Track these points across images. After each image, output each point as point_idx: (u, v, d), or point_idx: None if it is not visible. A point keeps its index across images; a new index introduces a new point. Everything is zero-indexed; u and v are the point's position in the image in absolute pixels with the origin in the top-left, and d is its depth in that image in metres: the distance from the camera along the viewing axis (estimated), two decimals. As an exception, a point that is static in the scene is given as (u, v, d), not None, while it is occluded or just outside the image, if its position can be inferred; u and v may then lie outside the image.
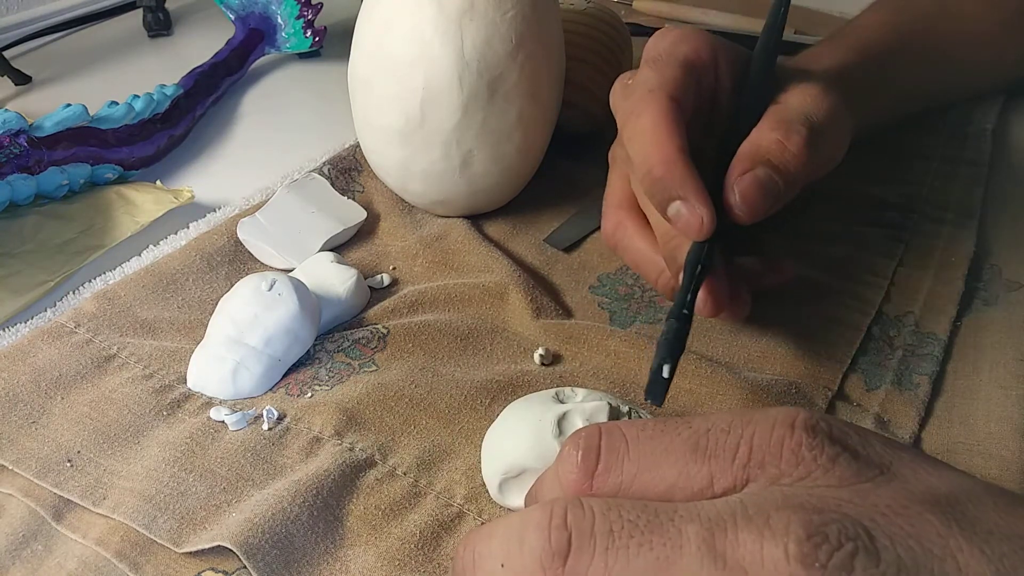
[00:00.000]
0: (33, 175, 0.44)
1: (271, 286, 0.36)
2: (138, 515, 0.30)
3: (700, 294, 0.33)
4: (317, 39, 0.67)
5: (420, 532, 0.30)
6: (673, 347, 0.30)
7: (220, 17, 0.72)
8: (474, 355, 0.38)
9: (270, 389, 0.36)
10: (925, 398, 0.36)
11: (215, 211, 0.47)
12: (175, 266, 0.41)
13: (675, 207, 0.33)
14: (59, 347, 0.36)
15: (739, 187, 0.33)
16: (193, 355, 0.36)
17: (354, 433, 0.33)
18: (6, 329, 0.39)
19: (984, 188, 0.50)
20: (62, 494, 0.31)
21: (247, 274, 0.41)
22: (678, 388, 0.36)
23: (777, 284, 0.39)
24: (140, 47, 0.71)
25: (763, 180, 0.33)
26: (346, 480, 0.31)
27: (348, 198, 0.47)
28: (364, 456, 0.32)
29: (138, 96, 0.52)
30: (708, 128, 0.39)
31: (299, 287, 0.37)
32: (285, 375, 0.36)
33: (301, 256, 0.42)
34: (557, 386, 0.33)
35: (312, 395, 0.35)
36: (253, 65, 0.66)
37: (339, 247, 0.45)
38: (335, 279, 0.40)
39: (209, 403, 0.35)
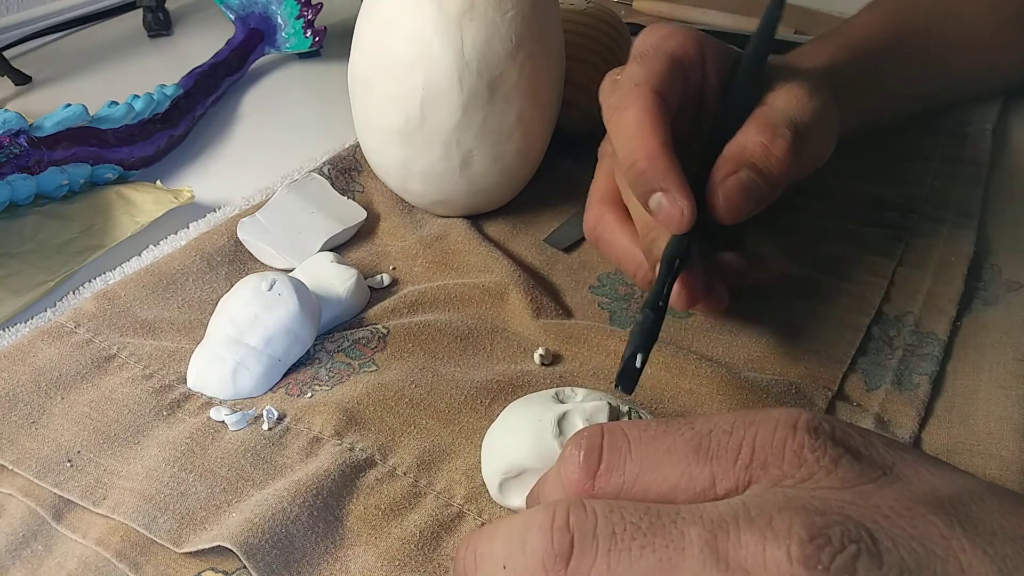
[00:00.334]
0: (33, 175, 0.44)
1: (271, 286, 0.36)
2: (138, 515, 0.30)
3: (675, 286, 0.34)
4: (317, 39, 0.67)
5: (420, 532, 0.30)
6: (647, 338, 0.31)
7: (220, 17, 0.72)
8: (474, 355, 0.38)
9: (270, 389, 0.36)
10: (925, 398, 0.36)
11: (215, 211, 0.47)
12: (175, 266, 0.41)
13: (656, 199, 0.33)
14: (59, 347, 0.36)
15: (723, 189, 0.34)
16: (193, 355, 0.36)
17: (354, 433, 0.33)
18: (6, 329, 0.39)
19: (984, 188, 0.50)
20: (62, 494, 0.31)
21: (247, 274, 0.41)
22: (678, 388, 0.36)
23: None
24: (140, 47, 0.71)
25: (746, 183, 0.34)
26: (346, 480, 0.31)
27: (348, 198, 0.47)
28: (364, 456, 0.32)
29: (138, 96, 0.52)
30: (694, 124, 0.39)
31: (299, 287, 0.37)
32: (285, 375, 0.36)
33: (301, 256, 0.42)
34: (557, 386, 0.33)
35: (312, 395, 0.35)
36: (253, 65, 0.66)
37: (339, 247, 0.45)
38: (335, 279, 0.40)
39: (209, 403, 0.35)
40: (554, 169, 0.50)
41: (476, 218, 0.47)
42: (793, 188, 0.37)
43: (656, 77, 0.36)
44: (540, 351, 0.37)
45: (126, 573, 0.29)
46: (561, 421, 0.29)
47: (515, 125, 0.43)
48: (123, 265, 0.43)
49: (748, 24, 0.71)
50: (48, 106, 0.52)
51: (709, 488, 0.22)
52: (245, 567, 0.28)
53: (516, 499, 0.30)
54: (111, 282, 0.41)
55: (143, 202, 0.46)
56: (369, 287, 0.42)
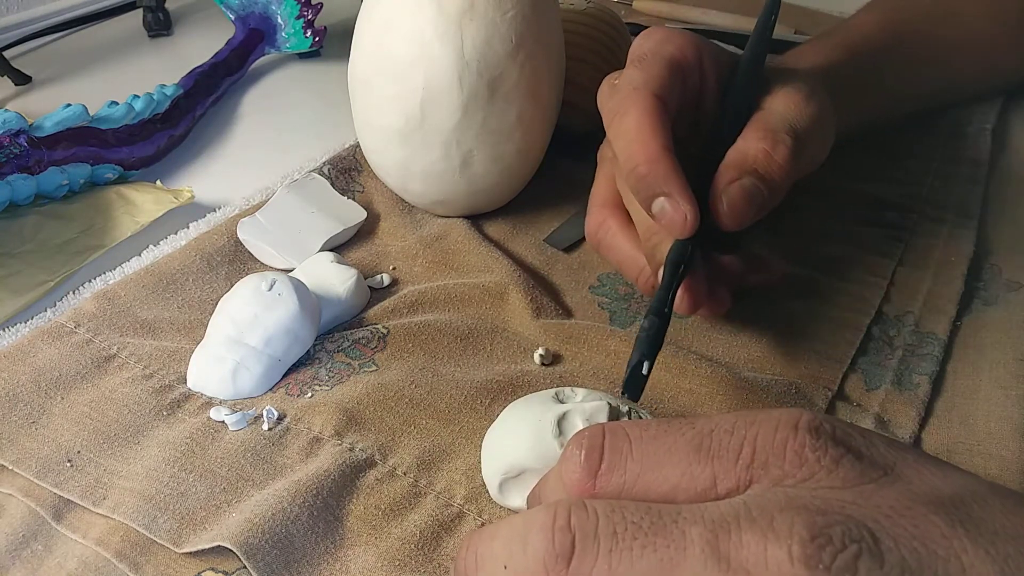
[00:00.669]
0: (33, 175, 0.44)
1: (271, 286, 0.36)
2: (138, 515, 0.30)
3: (678, 291, 0.34)
4: (317, 39, 0.67)
5: (420, 532, 0.30)
6: (653, 344, 0.31)
7: (220, 17, 0.72)
8: (474, 355, 0.38)
9: (270, 389, 0.36)
10: (925, 398, 0.36)
11: (215, 211, 0.47)
12: (175, 266, 0.41)
13: (659, 203, 0.33)
14: (59, 347, 0.36)
15: (727, 196, 0.34)
16: (193, 355, 0.36)
17: (354, 433, 0.33)
18: (6, 329, 0.39)
19: (984, 188, 0.50)
20: (62, 494, 0.31)
21: (247, 274, 0.41)
22: (678, 388, 0.36)
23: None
24: (140, 47, 0.71)
25: (750, 190, 0.34)
26: (346, 480, 0.31)
27: (348, 198, 0.47)
28: (364, 456, 0.32)
29: (138, 96, 0.52)
30: (693, 127, 0.39)
31: (299, 287, 0.37)
32: (285, 375, 0.36)
33: (301, 256, 0.42)
34: (557, 386, 0.33)
35: (312, 395, 0.35)
36: (253, 65, 0.65)
37: (339, 247, 0.45)
38: (335, 279, 0.40)
39: (209, 403, 0.35)
40: (554, 169, 0.50)
41: (476, 218, 0.47)
42: (792, 188, 0.37)
43: (655, 81, 0.36)
44: (540, 351, 0.37)
45: (126, 573, 0.29)
46: (561, 421, 0.29)
47: (515, 125, 0.43)
48: (123, 265, 0.43)
49: (748, 24, 0.71)
50: (48, 106, 0.52)
51: (710, 488, 0.22)
52: (245, 567, 0.28)
53: (516, 499, 0.30)
54: (111, 282, 0.41)
55: (143, 202, 0.46)
56: (369, 287, 0.42)
